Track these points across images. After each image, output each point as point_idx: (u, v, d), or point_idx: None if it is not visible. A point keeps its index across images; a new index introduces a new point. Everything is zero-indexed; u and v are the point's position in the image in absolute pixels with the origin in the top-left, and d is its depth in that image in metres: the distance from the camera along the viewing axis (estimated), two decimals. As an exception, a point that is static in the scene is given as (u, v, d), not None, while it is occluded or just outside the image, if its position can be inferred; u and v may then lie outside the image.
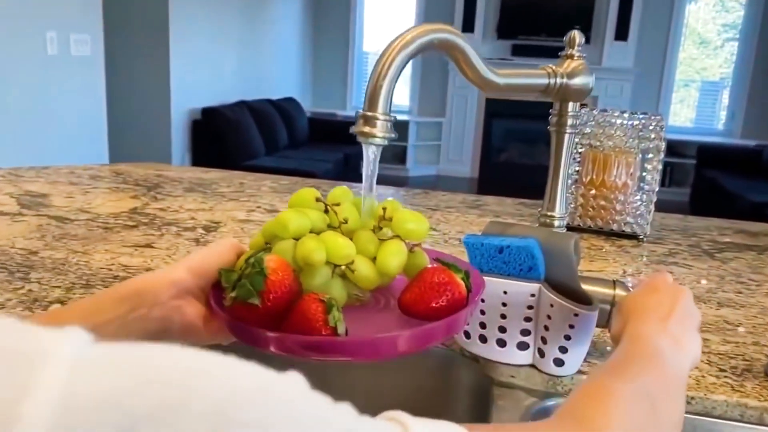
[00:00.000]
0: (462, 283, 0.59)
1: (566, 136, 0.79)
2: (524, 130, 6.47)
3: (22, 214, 1.28)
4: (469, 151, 6.63)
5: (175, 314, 0.56)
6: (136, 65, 4.77)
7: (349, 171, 5.53)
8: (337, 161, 5.39)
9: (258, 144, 5.33)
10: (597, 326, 0.76)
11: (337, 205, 0.62)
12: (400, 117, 6.85)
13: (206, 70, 5.24)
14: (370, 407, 0.36)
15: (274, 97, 6.04)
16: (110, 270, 1.01)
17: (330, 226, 0.62)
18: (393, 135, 0.61)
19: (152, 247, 1.12)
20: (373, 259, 0.61)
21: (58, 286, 0.94)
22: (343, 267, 0.59)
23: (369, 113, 0.60)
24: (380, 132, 0.60)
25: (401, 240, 0.61)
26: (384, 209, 0.62)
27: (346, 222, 0.61)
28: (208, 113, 5.06)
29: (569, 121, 0.79)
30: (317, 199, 0.63)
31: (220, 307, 0.57)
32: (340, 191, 0.64)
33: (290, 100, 6.24)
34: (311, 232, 0.60)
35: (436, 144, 6.76)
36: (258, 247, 0.63)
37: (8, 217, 1.25)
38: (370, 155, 0.61)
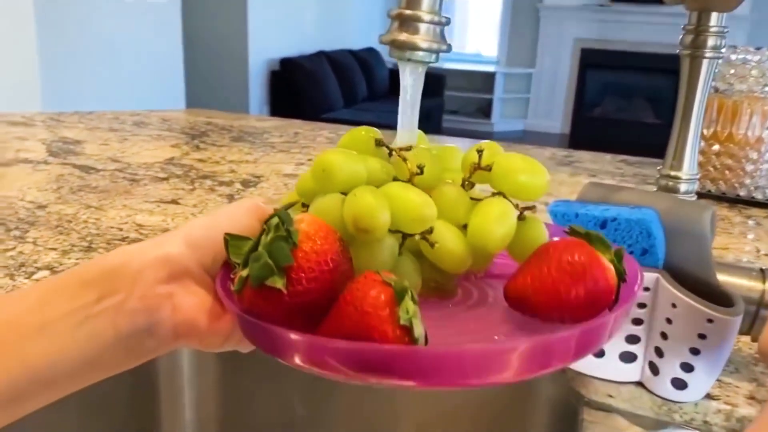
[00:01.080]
0: (611, 267, 0.37)
1: (704, 63, 0.55)
2: (622, 82, 6.00)
3: (46, 162, 1.14)
4: (561, 104, 6.23)
5: (164, 306, 0.37)
6: (213, 13, 4.66)
7: (430, 126, 5.29)
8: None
9: (336, 96, 5.16)
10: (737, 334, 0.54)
11: (408, 149, 0.41)
12: (487, 68, 6.51)
13: (285, 19, 5.08)
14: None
15: (355, 47, 5.82)
16: (120, 230, 0.85)
17: (396, 180, 0.42)
18: (445, 47, 0.40)
19: (177, 203, 0.96)
20: (464, 228, 0.41)
21: (54, 248, 0.79)
22: (417, 237, 0.39)
23: (407, 11, 0.38)
24: (424, 41, 0.39)
25: (507, 200, 0.41)
26: (479, 153, 0.41)
27: (421, 172, 0.40)
28: (287, 64, 4.91)
29: (710, 41, 0.54)
30: (377, 142, 0.42)
31: (230, 295, 0.37)
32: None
33: (371, 51, 6.01)
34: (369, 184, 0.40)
35: (524, 97, 6.39)
36: (304, 191, 0.43)
37: (30, 165, 1.12)
38: (408, 78, 0.40)
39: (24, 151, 1.20)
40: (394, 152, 0.41)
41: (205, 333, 0.39)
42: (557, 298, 0.37)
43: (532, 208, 0.42)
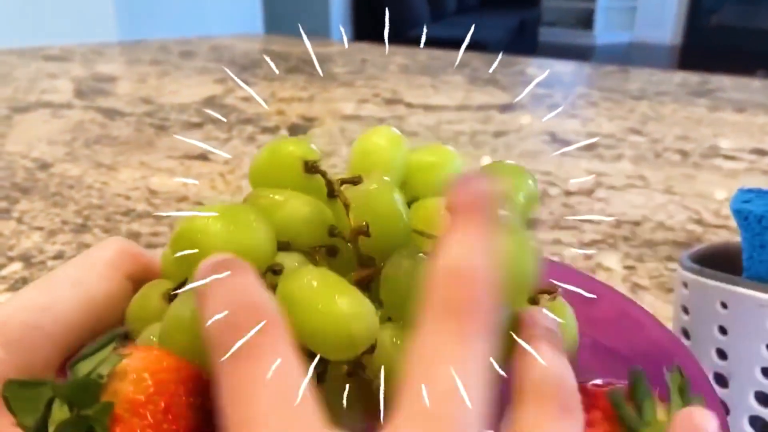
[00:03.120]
0: None
1: None
2: (745, -16, 5.29)
3: (69, 105, 0.98)
4: (672, 12, 5.60)
5: None
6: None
7: (524, 41, 4.87)
8: (511, 29, 4.74)
9: (422, 9, 4.81)
10: None
11: (357, 181, 0.26)
12: (588, -26, 5.91)
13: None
14: None
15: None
16: (128, 199, 0.67)
17: (332, 233, 0.25)
18: None
19: (206, 159, 0.77)
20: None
21: (41, 228, 0.62)
22: (345, 368, 0.23)
23: None
24: None
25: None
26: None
27: (366, 231, 0.24)
28: (368, -24, 4.60)
29: None
30: (308, 167, 0.26)
31: None
32: (376, 143, 0.28)
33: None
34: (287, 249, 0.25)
35: (630, 5, 5.79)
36: (170, 273, 0.26)
37: (50, 110, 0.96)
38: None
39: (49, 92, 1.04)
40: (335, 190, 0.26)
41: None
42: None
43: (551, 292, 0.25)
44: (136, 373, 0.18)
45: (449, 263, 0.19)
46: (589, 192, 0.67)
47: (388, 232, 0.24)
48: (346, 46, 1.33)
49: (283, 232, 0.25)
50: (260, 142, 0.82)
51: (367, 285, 0.25)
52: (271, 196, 0.25)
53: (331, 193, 0.26)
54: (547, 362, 0.20)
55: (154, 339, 0.24)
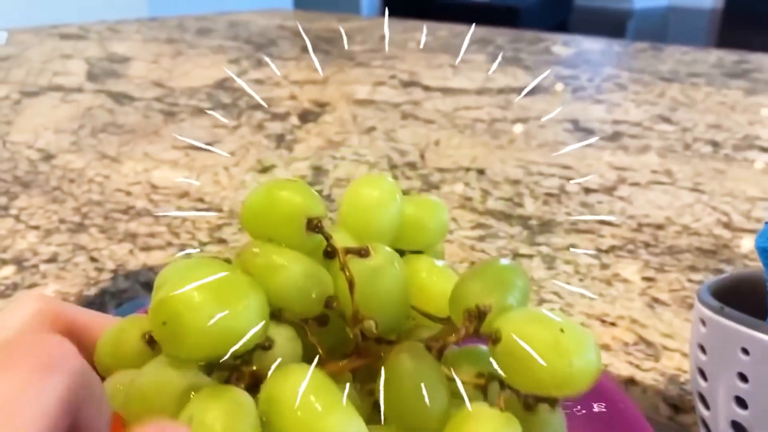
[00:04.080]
0: None
1: None
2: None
3: (81, 89, 0.96)
4: (714, -26, 5.38)
5: None
6: None
7: (559, 5, 4.73)
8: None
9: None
10: None
11: (362, 255, 0.24)
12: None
13: None
14: None
15: None
16: (129, 195, 0.65)
17: (329, 304, 0.23)
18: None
19: (210, 151, 0.75)
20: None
21: (37, 227, 0.60)
22: None
23: None
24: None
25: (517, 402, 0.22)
26: (480, 313, 0.22)
27: (374, 328, 0.23)
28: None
29: None
30: (311, 225, 0.23)
31: None
32: (370, 196, 0.26)
33: None
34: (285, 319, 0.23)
35: (670, -33, 5.57)
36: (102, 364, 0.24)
37: (61, 94, 0.94)
38: None
39: (61, 75, 1.03)
40: (334, 251, 0.24)
41: None
42: None
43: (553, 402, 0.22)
44: None
45: None
46: (610, 190, 0.63)
47: (392, 316, 0.23)
48: (365, 18, 1.28)
49: (277, 299, 0.23)
50: (269, 130, 0.79)
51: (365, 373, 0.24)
52: (269, 256, 0.23)
53: (330, 255, 0.24)
54: None
55: (120, 388, 0.22)
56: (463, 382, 0.22)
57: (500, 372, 0.21)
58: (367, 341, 0.23)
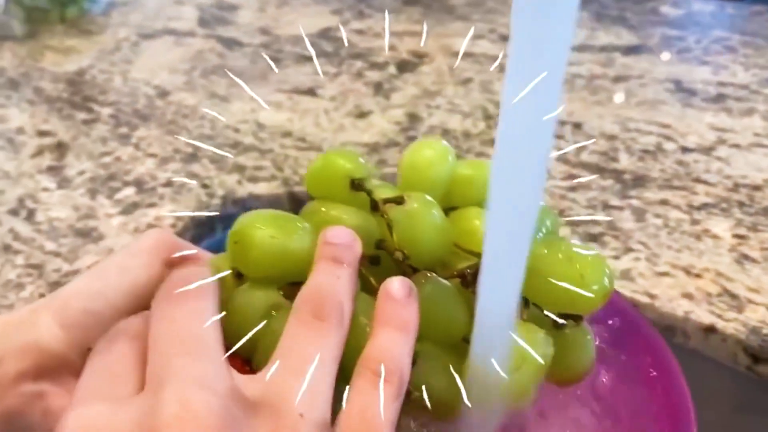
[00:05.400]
0: None
1: None
2: None
3: (193, 34, 1.01)
4: None
5: (31, 410, 0.25)
6: None
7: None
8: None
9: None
10: None
11: (398, 202, 0.28)
12: None
13: None
14: None
15: None
16: (237, 131, 0.70)
17: (379, 245, 0.28)
18: None
19: (313, 94, 0.78)
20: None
21: (155, 155, 0.66)
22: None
23: None
24: None
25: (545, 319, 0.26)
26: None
27: (405, 257, 0.27)
28: None
29: None
30: (354, 184, 0.29)
31: None
32: (424, 157, 0.31)
33: None
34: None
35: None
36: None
37: (174, 38, 1.00)
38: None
39: (175, 20, 1.08)
40: (379, 207, 0.28)
41: None
42: None
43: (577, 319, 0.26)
44: None
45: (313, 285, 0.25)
46: (708, 150, 0.62)
47: (429, 250, 0.27)
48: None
49: None
50: (368, 78, 0.82)
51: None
52: (324, 210, 0.28)
53: (375, 208, 0.28)
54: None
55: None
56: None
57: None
58: (406, 270, 0.27)
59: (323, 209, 0.28)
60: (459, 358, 0.24)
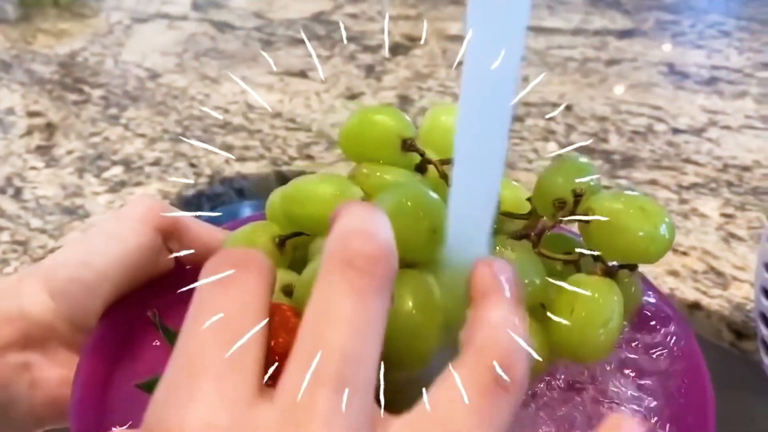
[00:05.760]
0: None
1: None
2: None
3: (186, 18, 1.01)
4: None
5: (18, 381, 0.25)
6: None
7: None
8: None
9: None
10: None
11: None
12: None
13: None
14: None
15: None
16: (226, 112, 0.70)
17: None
18: None
19: (305, 76, 0.78)
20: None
21: (143, 135, 0.65)
22: None
23: None
24: None
25: (609, 271, 0.25)
26: (576, 197, 0.25)
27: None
28: None
29: None
30: (406, 144, 0.27)
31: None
32: (447, 122, 0.29)
33: None
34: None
35: None
36: (276, 218, 0.28)
37: (168, 21, 0.99)
38: None
39: (169, 4, 1.08)
40: (438, 170, 0.27)
41: None
42: None
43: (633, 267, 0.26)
44: None
45: (351, 225, 0.18)
46: (698, 131, 0.62)
47: None
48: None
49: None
50: (359, 61, 0.81)
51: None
52: (379, 174, 0.26)
53: (422, 169, 0.27)
54: (493, 322, 0.18)
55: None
56: (558, 259, 0.25)
57: (590, 250, 0.24)
58: None
59: (377, 173, 0.26)
60: None
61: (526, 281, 0.23)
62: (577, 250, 0.25)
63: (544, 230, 0.25)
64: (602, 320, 0.23)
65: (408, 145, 0.26)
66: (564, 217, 0.25)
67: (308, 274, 0.23)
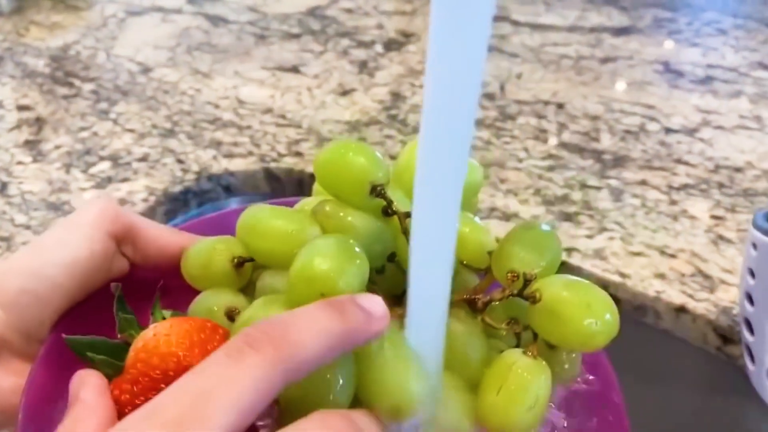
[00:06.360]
0: None
1: None
2: None
3: (180, 11, 1.00)
4: None
5: None
6: None
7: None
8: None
9: None
10: None
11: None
12: None
13: None
14: None
15: None
16: (217, 107, 0.69)
17: (391, 258, 0.28)
18: None
19: (297, 71, 0.77)
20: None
21: (132, 130, 0.65)
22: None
23: None
24: None
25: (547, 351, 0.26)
26: (525, 280, 0.25)
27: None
28: None
29: None
30: (374, 190, 0.26)
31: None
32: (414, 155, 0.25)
33: None
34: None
35: None
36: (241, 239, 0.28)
37: (162, 14, 0.99)
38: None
39: (163, -4, 1.07)
40: (401, 224, 0.27)
41: None
42: None
43: None
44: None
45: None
46: (691, 131, 0.61)
47: None
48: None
49: None
50: (353, 57, 0.81)
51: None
52: (342, 215, 0.26)
53: (389, 214, 0.26)
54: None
55: (216, 309, 0.25)
56: (500, 329, 0.25)
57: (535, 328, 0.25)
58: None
59: (341, 214, 0.26)
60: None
61: (467, 356, 0.24)
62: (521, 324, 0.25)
63: (491, 301, 0.25)
64: (529, 402, 0.23)
65: (377, 192, 0.26)
66: (513, 292, 0.25)
67: (246, 314, 0.23)
